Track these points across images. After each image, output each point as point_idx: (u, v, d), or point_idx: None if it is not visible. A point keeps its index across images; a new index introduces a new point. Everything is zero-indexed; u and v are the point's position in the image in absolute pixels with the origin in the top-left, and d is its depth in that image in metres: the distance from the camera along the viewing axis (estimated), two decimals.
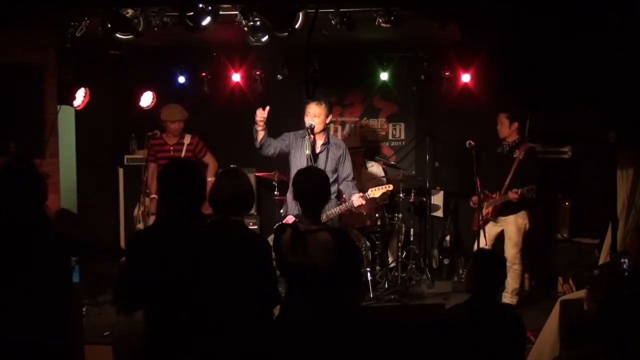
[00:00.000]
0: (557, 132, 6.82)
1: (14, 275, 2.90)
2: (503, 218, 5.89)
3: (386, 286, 6.55)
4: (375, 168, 7.19)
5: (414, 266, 6.74)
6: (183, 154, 6.21)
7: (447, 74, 6.95)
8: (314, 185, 3.41)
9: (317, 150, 5.18)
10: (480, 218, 5.80)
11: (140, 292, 2.90)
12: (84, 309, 5.16)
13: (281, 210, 6.06)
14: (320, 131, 5.17)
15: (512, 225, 5.82)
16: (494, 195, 5.91)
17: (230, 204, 3.19)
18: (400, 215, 6.79)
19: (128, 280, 2.95)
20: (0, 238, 2.92)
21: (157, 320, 2.93)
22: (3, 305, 2.89)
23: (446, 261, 7.08)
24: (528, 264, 6.10)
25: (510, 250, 5.79)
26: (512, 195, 5.60)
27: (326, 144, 5.21)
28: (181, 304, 2.88)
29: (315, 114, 5.08)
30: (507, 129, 5.94)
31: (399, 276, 6.57)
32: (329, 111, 5.21)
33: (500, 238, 5.97)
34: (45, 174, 3.13)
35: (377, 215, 6.73)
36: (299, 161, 5.12)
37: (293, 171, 5.13)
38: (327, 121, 5.23)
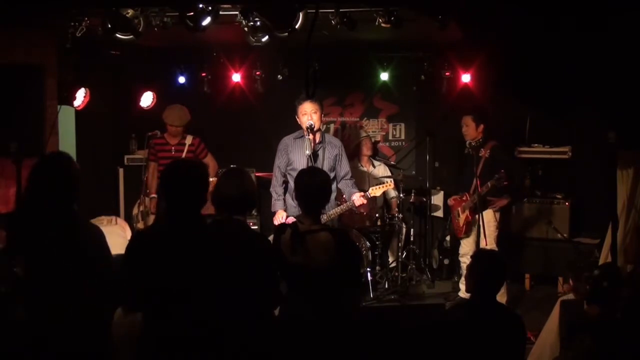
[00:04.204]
0: (557, 132, 6.82)
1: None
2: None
3: (386, 286, 6.55)
4: (382, 169, 7.19)
5: (414, 266, 6.74)
6: (184, 155, 6.20)
7: (447, 74, 6.95)
8: (316, 186, 3.41)
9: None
10: (463, 223, 5.84)
11: (143, 293, 2.91)
12: None
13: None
14: (317, 129, 5.15)
15: (486, 218, 5.70)
16: (464, 198, 5.90)
17: (233, 204, 3.19)
18: (401, 216, 6.79)
19: (132, 281, 2.95)
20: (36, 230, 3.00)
21: (157, 320, 2.93)
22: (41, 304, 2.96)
23: (446, 261, 7.09)
24: (527, 263, 6.08)
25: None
26: (483, 190, 5.51)
27: (322, 142, 5.18)
28: (182, 304, 2.88)
29: (313, 111, 5.05)
30: (473, 131, 5.85)
31: (399, 276, 6.56)
32: (322, 108, 5.20)
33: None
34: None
35: (377, 215, 6.73)
36: (298, 162, 5.10)
37: (293, 172, 5.12)
38: (322, 118, 5.22)
